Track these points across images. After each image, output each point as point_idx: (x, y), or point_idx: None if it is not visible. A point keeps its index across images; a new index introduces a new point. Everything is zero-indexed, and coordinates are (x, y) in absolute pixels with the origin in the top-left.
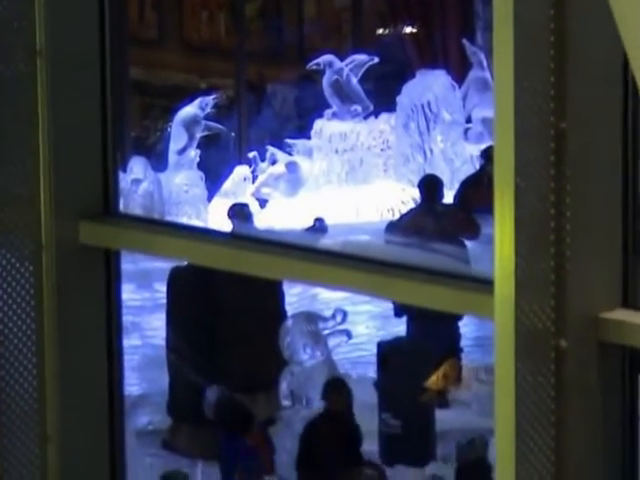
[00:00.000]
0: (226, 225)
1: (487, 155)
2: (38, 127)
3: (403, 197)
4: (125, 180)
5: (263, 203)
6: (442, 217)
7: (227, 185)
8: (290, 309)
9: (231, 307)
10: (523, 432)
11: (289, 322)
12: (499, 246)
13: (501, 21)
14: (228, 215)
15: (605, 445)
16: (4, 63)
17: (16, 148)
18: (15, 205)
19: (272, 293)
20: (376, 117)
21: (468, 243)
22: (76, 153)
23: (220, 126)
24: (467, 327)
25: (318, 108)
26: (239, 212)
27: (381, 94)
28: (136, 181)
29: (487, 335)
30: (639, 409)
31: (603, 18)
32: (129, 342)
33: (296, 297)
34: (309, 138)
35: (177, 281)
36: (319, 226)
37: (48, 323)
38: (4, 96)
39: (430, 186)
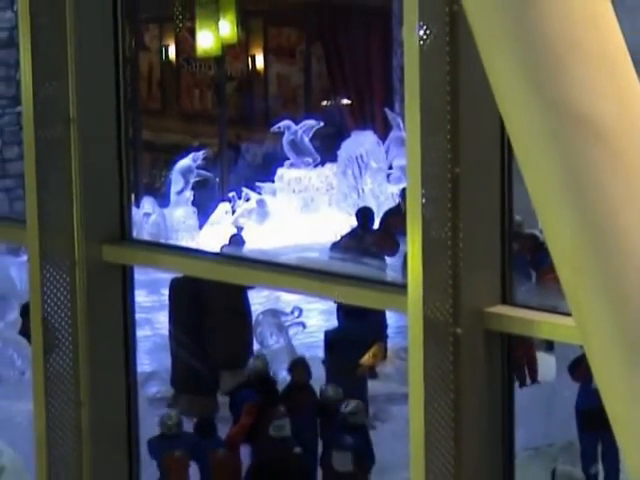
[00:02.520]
0: (220, 246)
1: (403, 193)
2: (72, 175)
3: (343, 224)
4: (138, 214)
5: (240, 230)
6: (371, 239)
7: (213, 217)
8: (260, 307)
9: (215, 306)
10: (430, 397)
11: (260, 317)
12: (411, 259)
13: (411, 95)
14: (229, 241)
15: (490, 404)
16: (46, 128)
17: (55, 190)
18: (55, 231)
19: (241, 296)
20: (322, 166)
21: (389, 258)
22: (100, 194)
23: (208, 173)
24: (391, 319)
25: (280, 160)
26: (235, 240)
27: (326, 149)
28: (146, 214)
29: (405, 325)
30: (514, 379)
31: (486, 90)
32: (142, 333)
33: (265, 298)
34: (273, 182)
35: (176, 287)
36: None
37: (80, 319)
38: (46, 155)
39: (363, 216)
